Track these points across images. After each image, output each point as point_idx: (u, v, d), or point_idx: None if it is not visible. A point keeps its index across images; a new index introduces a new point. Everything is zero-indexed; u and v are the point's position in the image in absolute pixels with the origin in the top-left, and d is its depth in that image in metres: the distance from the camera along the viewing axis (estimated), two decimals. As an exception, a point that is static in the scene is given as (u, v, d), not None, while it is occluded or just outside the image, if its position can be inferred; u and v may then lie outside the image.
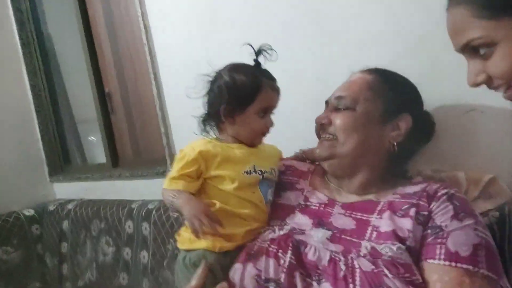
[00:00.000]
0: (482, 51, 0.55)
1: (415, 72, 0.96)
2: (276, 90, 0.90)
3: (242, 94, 0.86)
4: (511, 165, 0.90)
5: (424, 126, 0.87)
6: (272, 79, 0.90)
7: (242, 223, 0.83)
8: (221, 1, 1.38)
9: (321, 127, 0.86)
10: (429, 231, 0.71)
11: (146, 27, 1.61)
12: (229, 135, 0.90)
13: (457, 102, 0.96)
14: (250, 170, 0.86)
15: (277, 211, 0.87)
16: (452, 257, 0.66)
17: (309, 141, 1.00)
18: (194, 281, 0.77)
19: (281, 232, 0.78)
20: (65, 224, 1.97)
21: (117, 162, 2.07)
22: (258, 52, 0.89)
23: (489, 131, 0.90)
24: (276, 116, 1.29)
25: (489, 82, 0.57)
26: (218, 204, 0.83)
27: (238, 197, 0.84)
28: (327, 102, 0.90)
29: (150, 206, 1.58)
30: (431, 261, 0.68)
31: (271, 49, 0.90)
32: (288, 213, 0.85)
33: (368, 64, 0.97)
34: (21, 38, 2.28)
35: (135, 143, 2.08)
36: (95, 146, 2.50)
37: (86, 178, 2.14)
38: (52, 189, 2.37)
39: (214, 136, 0.92)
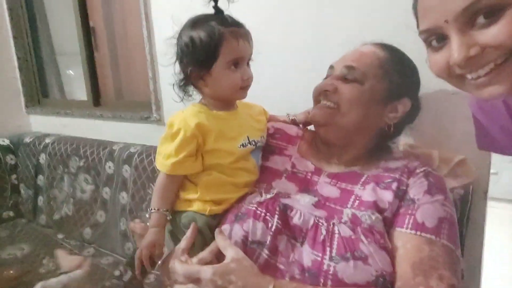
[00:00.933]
0: (483, 19, 0.50)
1: (409, 47, 0.97)
2: (242, 37, 0.80)
3: (203, 52, 0.79)
4: (484, 161, 0.98)
5: (416, 110, 0.90)
6: (235, 25, 0.81)
7: (235, 190, 0.85)
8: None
9: (324, 93, 0.85)
10: (403, 202, 0.77)
11: (141, -36, 1.52)
12: (207, 97, 0.86)
13: (442, 85, 1.00)
14: (245, 143, 0.85)
15: (264, 174, 0.89)
16: (418, 227, 0.73)
17: (300, 106, 1.03)
18: (183, 242, 0.80)
19: (268, 196, 0.81)
20: (42, 158, 1.96)
21: (99, 101, 2.04)
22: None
23: (468, 116, 0.96)
24: (267, 77, 1.31)
25: (478, 58, 0.52)
26: (213, 174, 0.84)
27: (234, 167, 0.85)
28: (332, 67, 0.88)
29: (132, 150, 1.60)
30: (399, 229, 0.74)
31: None
32: (275, 177, 0.88)
33: (364, 33, 0.98)
34: (-1, -44, 2.11)
35: (118, 83, 2.04)
36: (74, 81, 2.42)
37: (65, 114, 2.09)
38: (28, 121, 2.32)
39: (195, 103, 0.88)
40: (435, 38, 0.56)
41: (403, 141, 1.03)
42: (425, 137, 1.04)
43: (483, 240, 1.03)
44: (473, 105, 0.81)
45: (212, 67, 0.80)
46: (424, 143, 1.03)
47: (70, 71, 2.57)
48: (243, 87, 0.84)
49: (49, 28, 2.31)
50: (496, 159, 0.99)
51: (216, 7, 0.80)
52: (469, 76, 0.54)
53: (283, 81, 1.28)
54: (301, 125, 1.02)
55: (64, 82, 2.42)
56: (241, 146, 0.85)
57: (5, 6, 2.17)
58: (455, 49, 0.52)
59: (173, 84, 0.85)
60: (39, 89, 2.33)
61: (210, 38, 0.77)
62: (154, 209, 0.85)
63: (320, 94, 0.86)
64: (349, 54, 0.87)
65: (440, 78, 0.59)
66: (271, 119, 1.03)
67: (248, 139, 0.86)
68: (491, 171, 1.01)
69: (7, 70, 2.23)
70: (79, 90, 2.20)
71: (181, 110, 0.85)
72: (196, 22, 0.81)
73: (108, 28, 1.98)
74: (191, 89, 0.86)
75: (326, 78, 0.89)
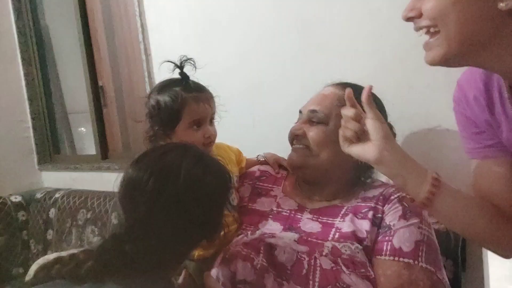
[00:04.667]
0: None
1: (390, 86, 1.05)
2: (203, 101, 0.89)
3: (166, 115, 0.87)
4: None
5: None
6: (197, 90, 0.90)
7: None
8: (216, 5, 1.46)
9: (295, 137, 0.91)
10: (380, 230, 0.79)
11: (143, 26, 1.67)
12: None
13: (426, 118, 1.04)
14: None
15: (252, 217, 0.93)
16: (396, 252, 0.74)
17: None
18: None
19: (253, 236, 0.84)
20: (52, 212, 2.01)
21: (107, 155, 2.12)
22: (180, 66, 0.90)
23: (454, 147, 0.99)
24: (261, 122, 1.38)
25: (416, 21, 0.60)
26: None
27: None
28: (300, 112, 0.95)
29: (137, 199, 1.64)
30: (379, 257, 0.76)
31: (189, 58, 0.91)
32: (261, 219, 0.91)
33: (348, 76, 1.05)
34: (17, 27, 2.31)
35: (125, 137, 2.14)
36: (84, 138, 2.54)
37: (75, 168, 2.18)
38: (40, 177, 2.40)
39: None
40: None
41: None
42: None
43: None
44: (456, 105, 0.81)
45: (176, 127, 0.88)
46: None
47: (82, 128, 2.71)
48: (206, 144, 0.91)
49: (61, 89, 2.47)
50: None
51: (182, 73, 0.90)
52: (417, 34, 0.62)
53: (279, 126, 1.34)
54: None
55: (75, 139, 2.54)
56: None
57: (21, 72, 2.35)
58: (405, 8, 0.61)
59: (143, 139, 0.92)
60: (51, 147, 2.43)
61: (174, 102, 0.87)
62: None
63: (292, 138, 0.92)
64: (313, 98, 0.94)
65: None
66: (246, 162, 1.08)
67: None
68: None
69: (21, 131, 2.35)
70: (89, 146, 2.31)
71: None
72: (162, 88, 0.90)
73: (116, 86, 2.11)
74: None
75: (296, 122, 0.95)
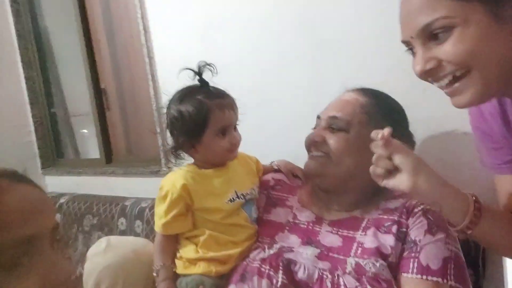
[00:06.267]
0: (441, 35, 0.56)
1: (404, 89, 1.01)
2: (226, 107, 0.87)
3: (192, 125, 0.85)
4: (490, 183, 0.97)
5: (409, 144, 0.91)
6: (219, 96, 0.87)
7: (234, 246, 0.86)
8: (218, 7, 1.42)
9: (314, 144, 0.88)
10: (405, 245, 0.76)
11: (146, 29, 1.63)
12: (199, 159, 0.91)
13: (441, 121, 1.01)
14: (233, 198, 0.88)
15: (267, 228, 0.90)
16: (424, 270, 0.72)
17: (300, 151, 1.05)
18: None
19: (271, 251, 0.82)
20: (57, 217, 1.98)
21: (111, 158, 2.09)
22: (199, 72, 0.88)
23: (470, 150, 0.96)
24: (268, 125, 1.35)
25: (437, 70, 0.58)
26: (207, 232, 0.86)
27: (226, 223, 0.87)
28: (319, 117, 0.92)
29: (143, 204, 1.62)
30: (405, 274, 0.73)
31: (209, 64, 0.89)
32: (277, 231, 0.89)
33: (359, 77, 1.02)
34: (17, 30, 2.27)
35: (129, 140, 2.11)
36: (88, 140, 2.51)
37: (79, 172, 2.16)
38: (44, 182, 2.38)
39: (189, 163, 0.92)
40: (410, 47, 0.63)
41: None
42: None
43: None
44: (472, 119, 0.82)
45: (202, 137, 0.86)
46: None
47: (84, 130, 2.68)
48: (232, 150, 0.89)
49: (63, 92, 2.44)
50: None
51: (201, 79, 0.87)
52: (436, 85, 0.61)
53: (284, 129, 1.31)
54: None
55: (78, 142, 2.51)
56: (229, 201, 0.87)
57: (22, 76, 2.31)
58: (415, 63, 0.59)
59: (165, 152, 0.91)
60: (54, 151, 2.41)
61: (198, 112, 0.84)
62: (160, 265, 0.87)
63: (310, 145, 0.89)
64: (333, 103, 0.91)
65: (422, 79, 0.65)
66: (273, 173, 1.05)
67: (236, 193, 0.88)
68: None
69: (23, 135, 2.33)
70: (92, 148, 2.28)
71: (172, 172, 0.92)
72: (184, 96, 0.87)
73: (118, 89, 2.08)
74: (182, 155, 0.92)
75: (314, 128, 0.92)
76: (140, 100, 1.98)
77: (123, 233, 1.66)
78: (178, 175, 0.88)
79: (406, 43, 0.62)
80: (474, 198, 0.67)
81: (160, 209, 0.87)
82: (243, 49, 1.38)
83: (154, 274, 0.89)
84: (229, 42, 1.41)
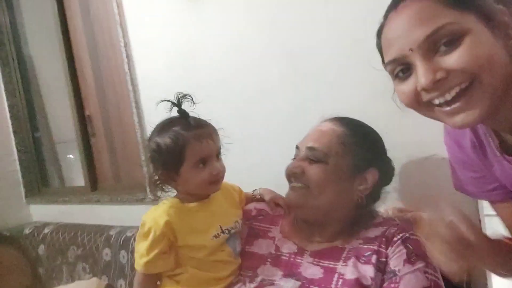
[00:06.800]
0: (444, 47, 0.53)
1: (382, 114, 1.02)
2: (204, 137, 0.85)
3: (169, 158, 0.83)
4: (471, 207, 0.98)
5: (387, 173, 0.92)
6: (197, 127, 0.85)
7: (217, 283, 0.85)
8: (200, 34, 1.43)
9: (293, 175, 0.88)
10: (385, 276, 0.76)
11: (129, 57, 1.64)
12: (182, 193, 0.89)
13: (420, 146, 1.02)
14: (218, 233, 0.86)
15: (249, 260, 0.90)
16: None
17: (283, 180, 1.05)
18: None
19: (252, 286, 0.81)
20: (41, 249, 1.94)
21: (96, 186, 2.07)
22: (178, 103, 0.86)
23: (449, 175, 0.97)
24: (251, 152, 1.35)
25: (445, 81, 0.53)
26: (190, 270, 0.85)
27: (210, 260, 0.85)
28: (297, 147, 0.92)
29: (128, 234, 1.59)
30: None
31: (186, 95, 0.87)
32: (259, 263, 0.88)
33: (339, 104, 1.03)
34: (0, 58, 2.27)
35: (115, 167, 2.08)
36: (73, 168, 2.47)
37: (64, 201, 2.12)
38: (29, 211, 2.33)
39: (172, 197, 0.90)
40: (401, 68, 0.58)
41: (392, 206, 1.03)
42: (413, 199, 1.04)
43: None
44: (448, 149, 0.80)
45: (180, 170, 0.84)
46: (413, 205, 1.03)
47: (70, 155, 2.65)
48: (214, 182, 0.87)
49: (47, 120, 2.42)
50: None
51: (180, 110, 0.86)
52: (436, 101, 0.55)
53: (267, 156, 1.32)
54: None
55: (64, 169, 2.47)
56: (214, 238, 0.85)
57: (6, 104, 2.29)
58: (421, 74, 0.53)
59: (148, 185, 0.89)
60: (39, 179, 2.37)
61: (175, 144, 0.83)
62: None
63: (290, 176, 0.89)
64: (311, 133, 0.91)
65: (410, 108, 0.61)
66: (255, 202, 1.05)
67: (221, 228, 0.87)
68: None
69: (7, 164, 2.29)
70: (78, 175, 2.25)
71: (154, 207, 0.88)
72: (161, 129, 0.86)
73: (104, 116, 2.07)
74: (165, 187, 0.90)
75: (294, 158, 0.92)
76: (126, 127, 1.97)
77: (108, 264, 1.63)
78: (160, 211, 0.85)
79: (396, 61, 0.57)
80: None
81: (141, 247, 0.84)
82: (226, 76, 1.39)
83: None
84: (212, 69, 1.42)
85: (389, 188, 0.99)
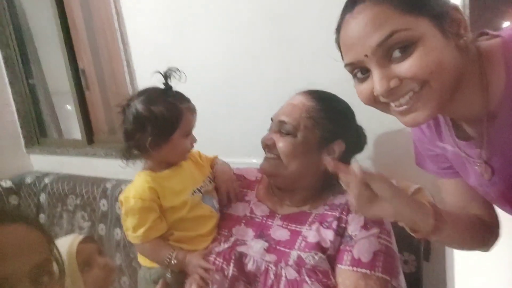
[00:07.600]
0: (398, 53, 0.54)
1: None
2: (193, 112, 0.95)
3: (164, 126, 0.89)
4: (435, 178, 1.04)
5: (357, 141, 0.97)
6: (188, 101, 0.94)
7: (201, 240, 0.94)
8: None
9: (266, 147, 0.94)
10: (343, 239, 0.84)
11: (118, 13, 1.62)
12: (155, 161, 0.95)
13: (394, 119, 1.07)
14: (193, 192, 0.95)
15: (226, 221, 0.98)
16: (355, 262, 0.80)
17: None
18: None
19: (226, 245, 0.89)
20: (42, 197, 2.05)
21: (92, 139, 2.13)
22: (166, 76, 0.92)
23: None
24: (238, 112, 1.39)
25: (398, 89, 0.56)
26: (175, 233, 0.92)
27: (192, 217, 0.93)
28: (272, 120, 0.97)
29: (123, 187, 1.68)
30: (339, 265, 0.81)
31: (178, 70, 0.92)
32: (235, 224, 0.97)
33: (322, 75, 1.06)
34: (-9, 8, 2.24)
35: (110, 121, 2.14)
36: (70, 118, 2.53)
37: (62, 152, 2.20)
38: (29, 161, 2.42)
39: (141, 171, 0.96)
40: (359, 70, 0.60)
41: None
42: (382, 168, 1.11)
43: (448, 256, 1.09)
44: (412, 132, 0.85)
45: (171, 137, 0.90)
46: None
47: (68, 106, 2.69)
48: (189, 151, 0.97)
49: (42, 71, 2.43)
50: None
51: (166, 83, 0.91)
52: (392, 104, 0.59)
53: (250, 123, 1.36)
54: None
55: (61, 120, 2.53)
56: (192, 195, 0.94)
57: (0, 55, 2.30)
58: (376, 82, 0.56)
59: (121, 153, 0.93)
60: (37, 130, 2.44)
61: (171, 113, 0.89)
62: (170, 256, 0.90)
63: (264, 147, 0.95)
64: (284, 107, 0.95)
65: (368, 105, 0.65)
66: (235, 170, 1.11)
67: (193, 189, 0.95)
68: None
69: (5, 115, 2.34)
70: (75, 127, 2.31)
71: (128, 186, 0.93)
72: (153, 98, 0.90)
73: (98, 70, 2.09)
74: (135, 155, 0.94)
75: (269, 130, 0.98)
76: (119, 82, 1.99)
77: (104, 214, 1.74)
78: (139, 183, 0.92)
79: (354, 64, 0.60)
80: (432, 205, 0.68)
81: (132, 221, 0.88)
82: (213, 40, 1.40)
83: (173, 262, 0.89)
84: (200, 32, 1.42)
85: (362, 156, 1.05)
